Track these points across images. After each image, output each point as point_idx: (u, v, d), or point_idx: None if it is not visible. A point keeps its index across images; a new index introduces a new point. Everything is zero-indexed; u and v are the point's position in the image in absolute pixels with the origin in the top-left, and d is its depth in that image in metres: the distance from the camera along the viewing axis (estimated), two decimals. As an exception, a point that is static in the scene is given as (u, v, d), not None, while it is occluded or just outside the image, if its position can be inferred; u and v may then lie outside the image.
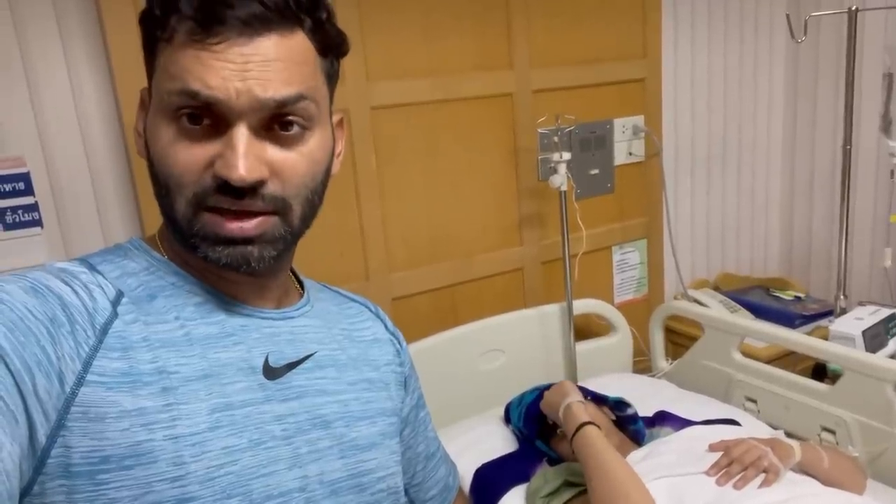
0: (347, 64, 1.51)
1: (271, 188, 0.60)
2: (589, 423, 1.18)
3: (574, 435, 1.18)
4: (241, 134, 0.58)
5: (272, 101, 0.58)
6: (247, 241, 0.60)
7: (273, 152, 0.60)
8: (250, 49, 0.57)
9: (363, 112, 1.55)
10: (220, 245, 0.60)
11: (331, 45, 0.65)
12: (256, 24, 0.57)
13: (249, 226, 0.60)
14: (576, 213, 1.80)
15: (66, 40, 1.31)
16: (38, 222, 1.32)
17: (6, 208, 1.29)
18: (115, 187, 1.40)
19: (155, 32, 0.60)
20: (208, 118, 0.58)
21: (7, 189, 1.29)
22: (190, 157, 0.59)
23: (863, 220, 2.12)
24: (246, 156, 0.57)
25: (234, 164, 0.57)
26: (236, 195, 0.58)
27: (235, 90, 0.57)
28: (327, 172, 0.67)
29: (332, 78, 0.67)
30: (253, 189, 0.59)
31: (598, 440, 1.15)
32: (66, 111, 1.33)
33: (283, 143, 0.61)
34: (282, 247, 0.63)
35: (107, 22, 1.29)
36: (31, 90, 1.29)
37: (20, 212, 1.30)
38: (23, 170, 1.30)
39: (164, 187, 0.61)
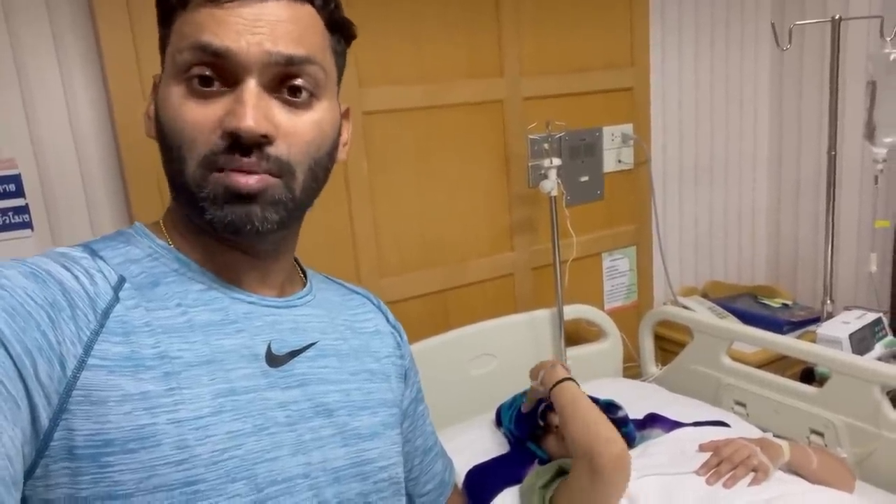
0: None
1: (276, 149, 0.60)
2: (569, 378, 1.25)
3: (553, 388, 1.24)
4: (251, 87, 0.59)
5: (281, 56, 0.60)
6: (250, 197, 0.60)
7: (281, 114, 0.61)
8: (262, 9, 0.60)
9: (355, 117, 1.56)
10: (227, 203, 0.60)
11: (338, 23, 0.67)
12: None
13: (252, 180, 0.60)
14: (566, 219, 1.81)
15: (58, 41, 1.31)
16: (28, 224, 1.32)
17: (-3, 210, 1.29)
18: (106, 190, 1.40)
19: (171, 2, 0.62)
20: (219, 78, 0.59)
21: (-2, 191, 1.28)
22: (200, 115, 0.59)
23: (848, 226, 2.15)
24: (255, 107, 0.58)
25: (242, 115, 0.58)
26: (243, 151, 0.59)
27: (246, 42, 0.58)
28: (333, 149, 0.68)
29: (339, 57, 0.68)
30: (259, 146, 0.59)
31: (576, 390, 1.23)
32: (58, 113, 1.33)
33: (292, 107, 0.62)
34: (284, 213, 0.63)
35: (100, 23, 1.29)
36: (23, 92, 1.29)
37: (10, 214, 1.30)
38: (14, 172, 1.30)
39: (174, 150, 0.61)
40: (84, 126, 1.36)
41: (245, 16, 0.59)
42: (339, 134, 0.69)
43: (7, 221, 1.30)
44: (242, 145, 0.59)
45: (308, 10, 0.63)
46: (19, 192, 1.31)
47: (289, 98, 0.62)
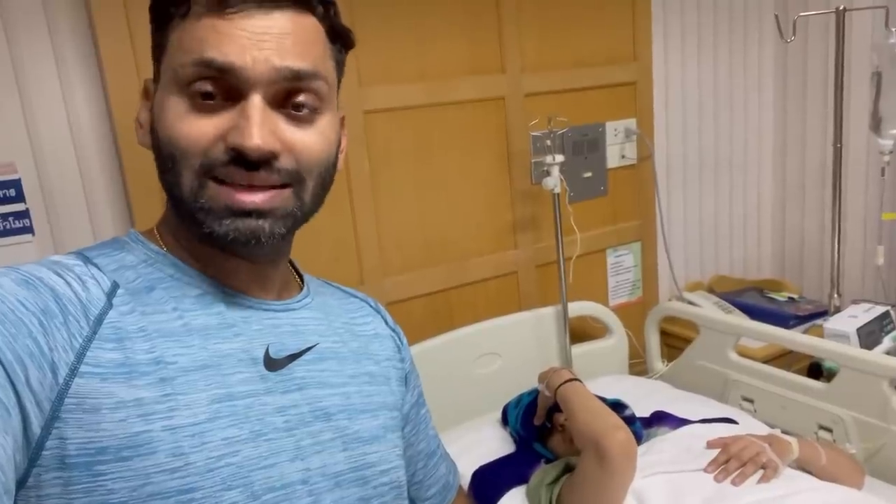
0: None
1: (284, 162, 0.60)
2: (576, 379, 1.26)
3: (558, 388, 1.25)
4: (257, 103, 0.58)
5: (288, 71, 0.58)
6: (258, 213, 0.59)
7: (286, 129, 0.60)
8: (267, 21, 0.58)
9: (356, 116, 1.55)
10: (227, 218, 0.59)
11: (339, 33, 0.66)
12: None
13: (262, 198, 0.59)
14: (569, 216, 1.80)
15: (56, 46, 1.30)
16: (29, 229, 1.31)
17: (-3, 215, 1.28)
18: (106, 194, 1.39)
19: (169, 10, 0.60)
20: (222, 93, 0.58)
21: (-2, 196, 1.28)
22: (200, 128, 0.58)
23: (855, 219, 2.14)
24: (261, 125, 0.57)
25: (249, 132, 0.56)
26: (249, 168, 0.57)
27: (252, 58, 0.57)
28: (336, 158, 0.67)
29: (340, 66, 0.68)
30: (267, 162, 0.58)
31: (581, 388, 1.24)
32: (57, 117, 1.33)
33: (297, 122, 0.61)
34: (291, 224, 0.62)
35: (98, 26, 1.28)
36: (22, 96, 1.29)
37: (11, 219, 1.30)
38: (13, 176, 1.29)
39: (169, 160, 0.60)
40: (84, 129, 1.35)
41: (250, 28, 0.57)
42: (339, 141, 0.68)
43: (8, 226, 1.30)
44: (248, 161, 0.57)
45: (311, 20, 0.62)
46: (20, 197, 1.30)
47: (293, 113, 0.60)
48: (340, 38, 0.66)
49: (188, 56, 0.58)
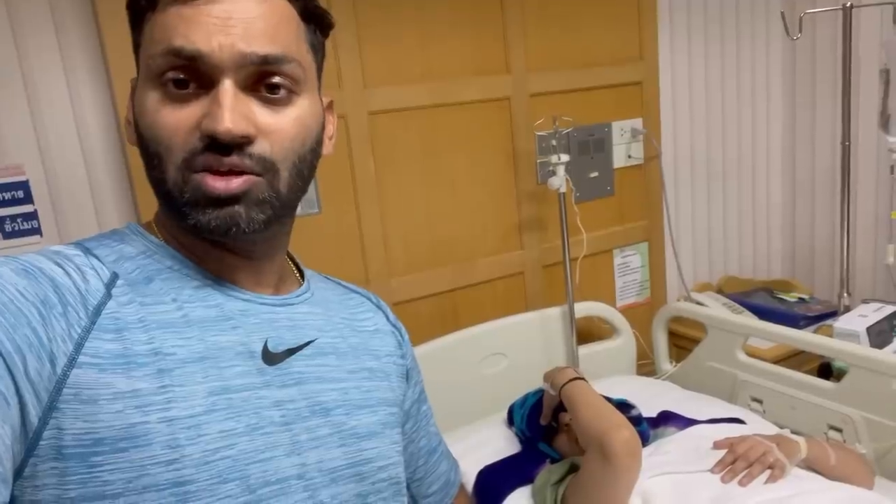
0: (345, 69, 1.53)
1: (258, 148, 0.59)
2: (580, 378, 1.26)
3: (562, 387, 1.25)
4: (227, 88, 0.58)
5: (256, 56, 0.58)
6: (233, 199, 0.59)
7: (260, 112, 0.60)
8: (233, 6, 0.58)
9: (361, 117, 1.55)
10: (208, 207, 0.59)
11: (312, 13, 0.65)
12: None
13: (234, 183, 0.59)
14: (576, 216, 1.80)
15: (64, 51, 1.32)
16: (37, 230, 1.33)
17: (5, 217, 1.30)
18: (113, 195, 1.40)
19: (140, 4, 0.60)
20: (194, 81, 0.58)
21: (6, 197, 1.29)
22: (177, 119, 0.58)
23: (864, 218, 2.12)
24: (232, 109, 0.57)
25: (220, 117, 0.56)
26: (223, 151, 0.58)
27: (219, 44, 0.57)
28: (317, 144, 0.67)
29: (317, 49, 0.67)
30: (240, 146, 0.58)
31: (585, 387, 1.24)
32: (65, 120, 1.34)
33: (271, 105, 0.61)
34: (270, 212, 0.62)
35: (105, 34, 1.30)
36: (31, 100, 1.30)
37: (19, 220, 1.31)
38: (22, 178, 1.31)
39: (153, 156, 0.60)
40: (91, 131, 1.37)
41: (216, 14, 0.57)
42: (322, 128, 0.68)
43: (16, 228, 1.31)
44: (221, 145, 0.57)
45: (280, 2, 0.61)
46: (28, 199, 1.32)
47: (267, 96, 0.60)
48: (315, 19, 0.66)
49: (158, 47, 0.58)
